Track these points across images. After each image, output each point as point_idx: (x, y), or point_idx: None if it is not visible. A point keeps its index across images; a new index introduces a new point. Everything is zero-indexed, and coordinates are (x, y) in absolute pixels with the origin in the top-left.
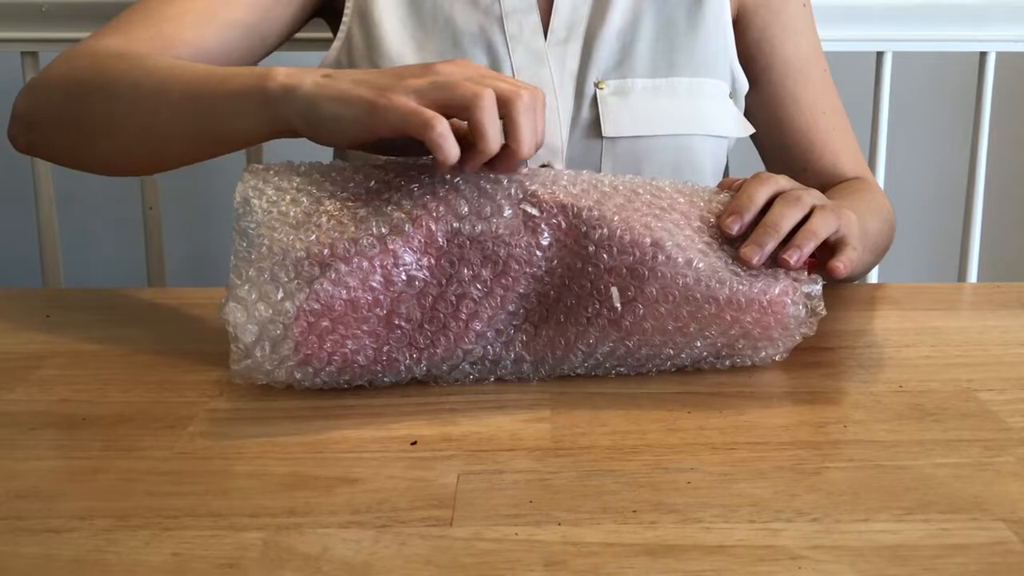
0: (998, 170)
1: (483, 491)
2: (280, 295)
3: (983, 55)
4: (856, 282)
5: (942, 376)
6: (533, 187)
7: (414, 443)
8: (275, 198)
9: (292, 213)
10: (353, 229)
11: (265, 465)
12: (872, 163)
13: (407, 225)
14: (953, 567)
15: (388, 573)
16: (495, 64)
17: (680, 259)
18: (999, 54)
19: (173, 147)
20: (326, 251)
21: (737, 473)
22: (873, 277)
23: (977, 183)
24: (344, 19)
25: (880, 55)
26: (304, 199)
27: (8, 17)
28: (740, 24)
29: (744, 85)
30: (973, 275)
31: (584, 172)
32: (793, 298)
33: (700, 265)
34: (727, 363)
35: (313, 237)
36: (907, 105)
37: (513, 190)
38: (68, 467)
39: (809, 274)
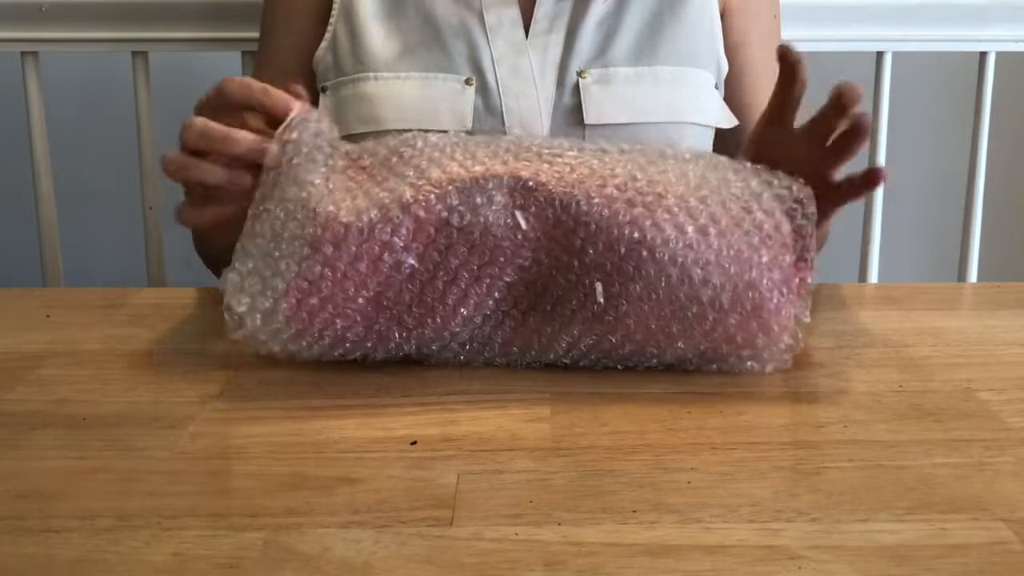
0: (998, 170)
1: (483, 491)
2: (271, 272)
3: (983, 55)
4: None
5: (942, 376)
6: (526, 175)
7: (414, 443)
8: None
9: (297, 199)
10: (345, 214)
11: (265, 465)
12: (872, 163)
13: (397, 213)
14: (953, 567)
15: (388, 573)
16: (475, 55)
17: (665, 256)
18: (999, 54)
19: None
20: (319, 232)
21: (737, 473)
22: (873, 277)
23: (977, 183)
24: (331, 20)
25: (880, 55)
26: (313, 184)
27: (8, 17)
28: (722, 24)
29: None
30: (973, 275)
31: (590, 150)
32: (777, 303)
33: (686, 262)
34: (713, 367)
35: (310, 219)
36: (907, 105)
37: (506, 178)
38: (68, 467)
39: (800, 287)
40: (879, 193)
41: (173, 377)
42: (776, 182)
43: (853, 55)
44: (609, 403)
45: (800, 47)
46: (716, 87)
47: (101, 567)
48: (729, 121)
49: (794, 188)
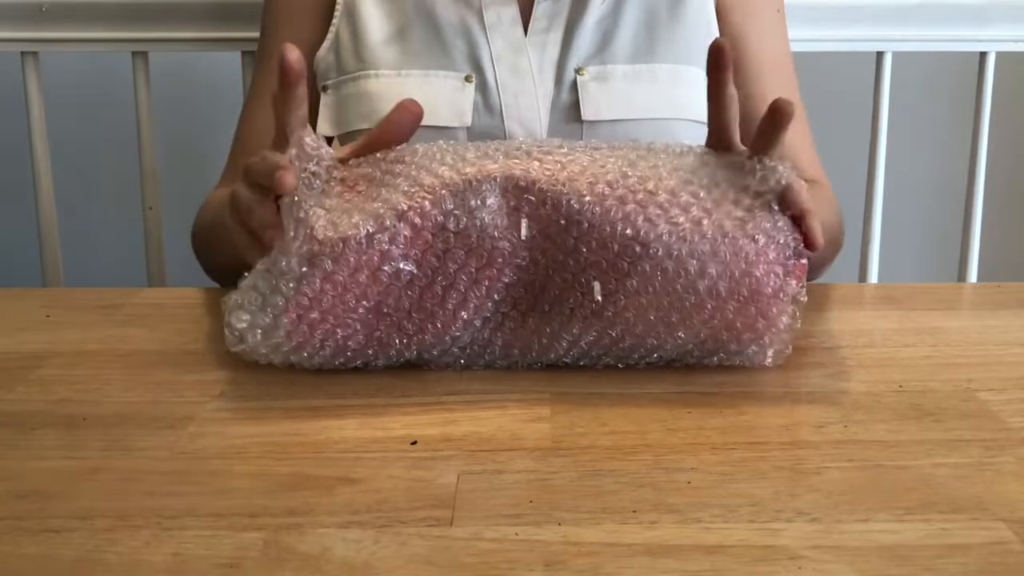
0: (998, 170)
1: (483, 491)
2: (270, 288)
3: (983, 55)
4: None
5: (942, 376)
6: (517, 173)
7: (414, 443)
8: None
9: (295, 218)
10: (343, 226)
11: (265, 465)
12: (872, 163)
13: (393, 222)
14: (953, 567)
15: (388, 573)
16: (475, 52)
17: (660, 251)
18: (999, 54)
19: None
20: (316, 247)
21: (737, 473)
22: (873, 277)
23: (977, 183)
24: (334, 20)
25: (880, 55)
26: (309, 205)
27: (8, 17)
28: (717, 21)
29: None
30: (973, 275)
31: (580, 147)
32: (774, 287)
33: (681, 255)
34: (715, 359)
35: (307, 236)
36: (907, 105)
37: (499, 178)
38: (68, 467)
39: (796, 268)
40: (879, 193)
41: (173, 377)
42: (768, 165)
43: (853, 55)
44: (609, 403)
45: (800, 47)
46: None
47: (101, 567)
48: None
49: (787, 170)
